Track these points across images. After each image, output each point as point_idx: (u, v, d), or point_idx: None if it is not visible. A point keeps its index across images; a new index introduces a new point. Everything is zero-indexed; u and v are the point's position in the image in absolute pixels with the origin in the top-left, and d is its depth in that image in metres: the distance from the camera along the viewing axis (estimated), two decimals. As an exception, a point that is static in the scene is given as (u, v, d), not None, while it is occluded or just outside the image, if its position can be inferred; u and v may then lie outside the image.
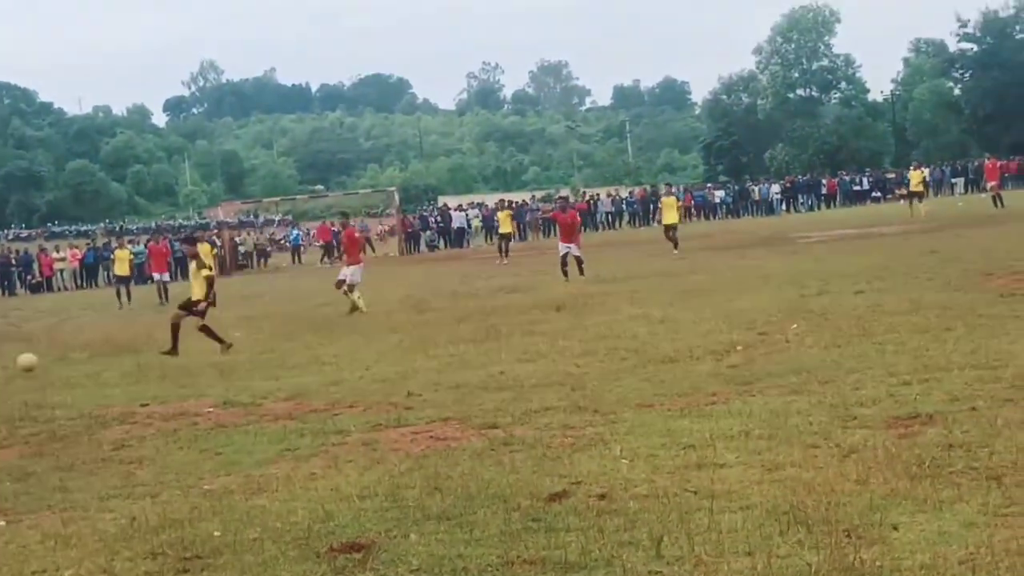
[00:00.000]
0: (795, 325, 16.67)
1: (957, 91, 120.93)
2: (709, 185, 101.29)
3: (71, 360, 21.88)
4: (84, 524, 8.79)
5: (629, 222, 78.95)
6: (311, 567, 7.21)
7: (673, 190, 48.60)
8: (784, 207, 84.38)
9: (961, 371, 11.63)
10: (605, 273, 31.49)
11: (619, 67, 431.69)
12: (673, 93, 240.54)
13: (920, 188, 53.46)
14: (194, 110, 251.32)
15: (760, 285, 23.92)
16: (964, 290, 19.14)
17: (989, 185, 54.03)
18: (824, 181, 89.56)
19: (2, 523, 9.09)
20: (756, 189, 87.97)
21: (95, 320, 33.06)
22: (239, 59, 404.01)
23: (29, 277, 61.67)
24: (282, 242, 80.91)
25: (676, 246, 38.42)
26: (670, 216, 39.99)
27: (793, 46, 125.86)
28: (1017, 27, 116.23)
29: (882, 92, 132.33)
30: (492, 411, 11.98)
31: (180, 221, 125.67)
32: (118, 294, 40.38)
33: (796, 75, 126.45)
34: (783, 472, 8.38)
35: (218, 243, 58.64)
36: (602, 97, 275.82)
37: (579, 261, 31.02)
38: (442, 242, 72.85)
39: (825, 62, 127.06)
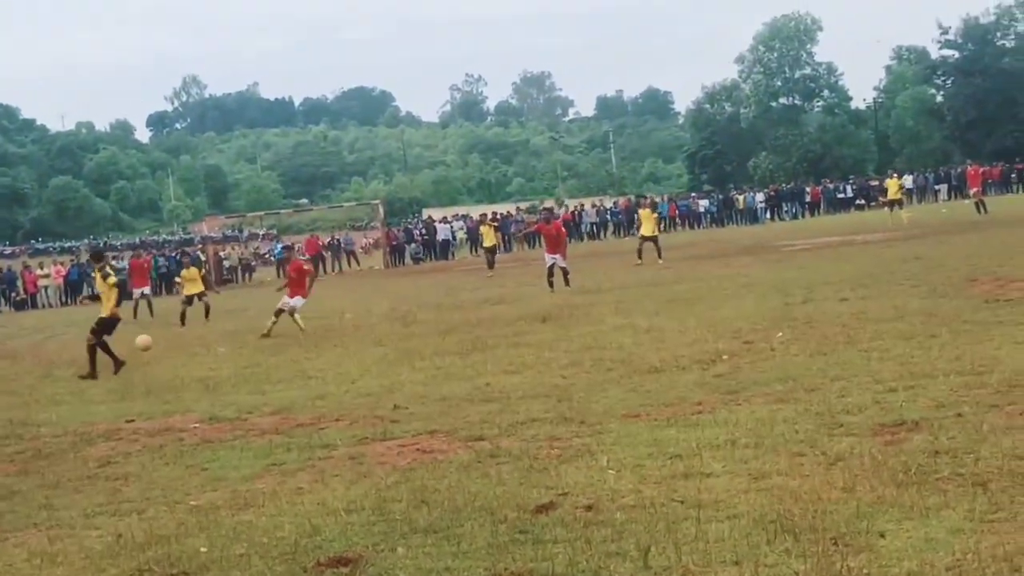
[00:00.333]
0: (780, 333, 16.69)
1: (939, 98, 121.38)
2: (693, 194, 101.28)
3: (56, 377, 21.82)
4: (70, 541, 8.77)
5: (614, 232, 78.89)
6: (298, 582, 7.20)
7: (649, 202, 48.61)
8: (768, 215, 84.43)
9: (946, 377, 11.65)
10: (590, 283, 31.50)
11: (602, 77, 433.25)
12: (656, 103, 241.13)
13: (898, 196, 53.62)
14: (177, 125, 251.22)
15: (745, 294, 23.94)
16: (948, 296, 19.17)
17: (972, 191, 54.26)
18: (808, 189, 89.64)
19: (-12, 542, 9.07)
20: (740, 198, 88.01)
21: (80, 337, 32.94)
22: (222, 74, 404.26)
23: (13, 294, 61.46)
24: (267, 256, 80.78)
25: (659, 255, 38.47)
26: (647, 228, 40.08)
27: (775, 55, 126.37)
28: (998, 33, 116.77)
29: (865, 100, 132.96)
30: (478, 423, 11.97)
31: (164, 237, 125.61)
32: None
33: (779, 83, 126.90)
34: (770, 481, 8.38)
35: (203, 259, 58.39)
36: (585, 108, 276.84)
37: (564, 272, 31.05)
38: (427, 254, 72.79)
39: (807, 70, 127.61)
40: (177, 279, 32.77)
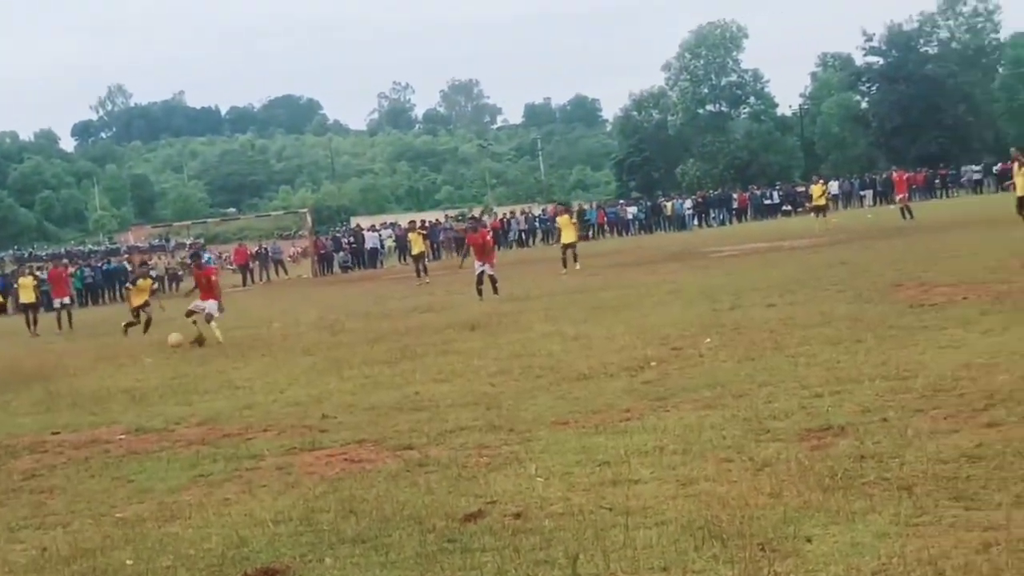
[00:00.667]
0: (708, 339, 16.76)
1: (864, 104, 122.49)
2: (621, 201, 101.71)
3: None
4: (-6, 556, 8.67)
5: (542, 239, 78.93)
6: (225, 594, 7.15)
7: (567, 209, 48.74)
8: (696, 222, 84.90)
9: (872, 382, 11.74)
10: (519, 291, 31.52)
11: (530, 85, 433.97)
12: (584, 110, 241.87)
13: (823, 202, 54.08)
14: (103, 134, 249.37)
15: (673, 300, 24.03)
16: (874, 302, 19.32)
17: (898, 197, 54.74)
18: (735, 195, 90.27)
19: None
20: (668, 204, 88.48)
21: (3, 348, 32.64)
22: (147, 82, 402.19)
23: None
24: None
25: (576, 260, 38.61)
26: (567, 235, 40.13)
27: (702, 62, 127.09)
28: (921, 40, 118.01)
29: (791, 106, 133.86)
30: (407, 432, 11.94)
31: (90, 247, 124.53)
32: (27, 322, 39.83)
33: (705, 91, 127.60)
34: (697, 487, 8.41)
35: (153, 275, 57.78)
36: (513, 115, 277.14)
37: (493, 280, 31.03)
38: (355, 263, 72.60)
39: (734, 77, 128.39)
40: (128, 286, 32.32)
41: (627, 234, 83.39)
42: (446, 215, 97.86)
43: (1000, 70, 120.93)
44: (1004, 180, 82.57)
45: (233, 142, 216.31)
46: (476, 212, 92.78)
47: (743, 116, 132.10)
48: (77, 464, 12.26)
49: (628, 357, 15.90)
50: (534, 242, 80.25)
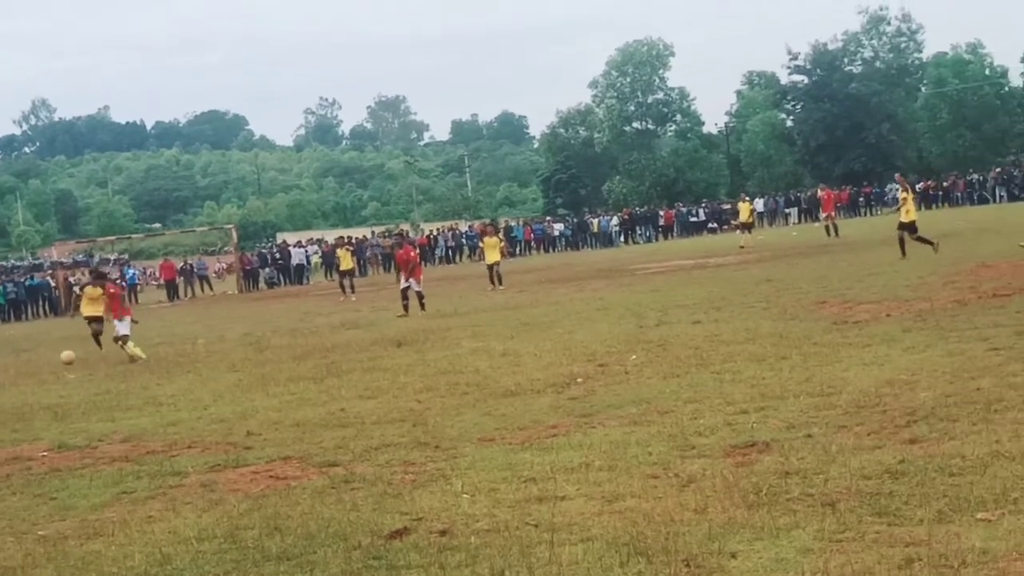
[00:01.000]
0: (634, 356, 16.81)
1: (789, 122, 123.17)
2: (548, 218, 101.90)
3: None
4: (-88, 575, 8.57)
5: (469, 256, 78.95)
6: (148, 613, 7.09)
7: (494, 230, 48.74)
8: (622, 239, 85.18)
9: (796, 399, 11.81)
10: (446, 307, 31.50)
11: (457, 101, 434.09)
12: (511, 127, 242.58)
13: (750, 219, 54.52)
14: (26, 149, 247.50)
15: (599, 317, 24.09)
16: (798, 319, 19.45)
17: (823, 215, 55.16)
18: (661, 213, 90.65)
19: None
20: (595, 221, 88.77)
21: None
22: (72, 97, 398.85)
23: None
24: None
25: (500, 281, 38.54)
26: (492, 256, 40.11)
27: (628, 79, 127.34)
28: (845, 59, 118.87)
29: (716, 124, 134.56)
30: (332, 449, 11.90)
31: (13, 262, 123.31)
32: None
33: (632, 108, 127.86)
34: (623, 503, 8.42)
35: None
36: (440, 132, 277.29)
37: (419, 296, 31.02)
38: (281, 279, 72.32)
39: (660, 95, 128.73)
40: (77, 290, 32.03)
41: (554, 251, 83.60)
42: (373, 231, 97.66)
43: (923, 89, 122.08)
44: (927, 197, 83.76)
45: (158, 157, 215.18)
46: (398, 229, 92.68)
47: (669, 134, 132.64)
48: (-2, 481, 12.14)
49: (555, 374, 15.92)
50: (461, 259, 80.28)
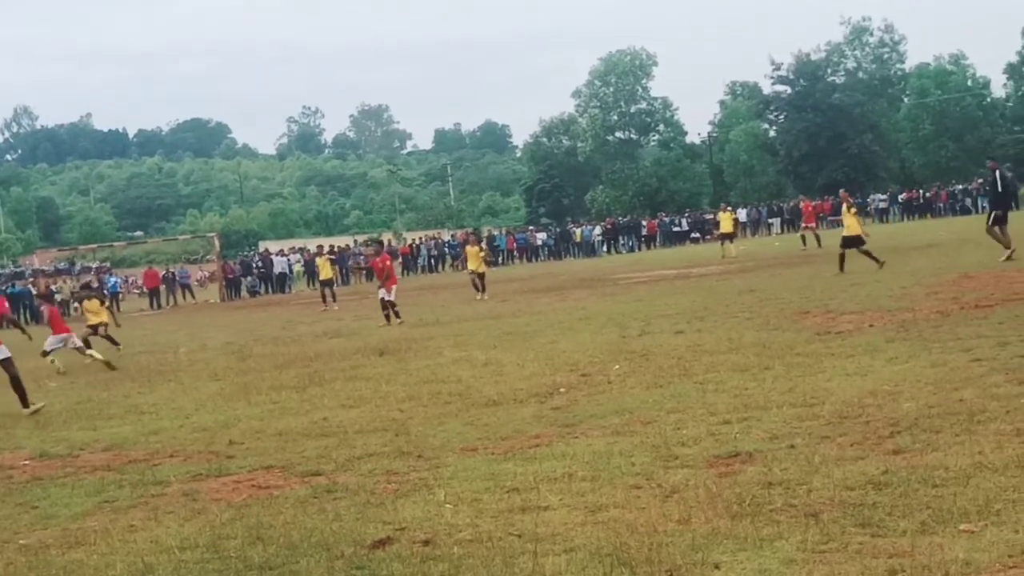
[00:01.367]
0: (617, 366, 16.79)
1: (772, 132, 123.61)
2: (531, 227, 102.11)
3: None
4: None
5: (451, 265, 79.01)
6: (129, 623, 7.06)
7: (477, 239, 48.61)
8: (605, 248, 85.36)
9: (779, 409, 11.80)
10: (428, 316, 31.48)
11: (440, 111, 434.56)
12: (494, 136, 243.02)
13: (731, 229, 54.65)
14: (8, 156, 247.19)
15: (582, 326, 24.07)
16: (781, 329, 19.45)
17: (804, 225, 55.24)
18: (644, 222, 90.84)
19: None
20: (577, 231, 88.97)
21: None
22: (54, 104, 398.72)
23: None
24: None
25: (483, 290, 38.46)
26: (473, 264, 40.03)
27: (611, 89, 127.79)
28: (828, 70, 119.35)
29: (699, 134, 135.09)
30: (315, 458, 11.87)
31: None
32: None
33: (615, 118, 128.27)
34: (606, 513, 8.40)
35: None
36: (423, 140, 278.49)
37: (391, 305, 30.94)
38: (264, 287, 72.27)
39: (643, 105, 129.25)
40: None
41: (536, 260, 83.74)
42: (355, 240, 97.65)
43: (905, 100, 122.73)
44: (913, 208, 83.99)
45: (141, 165, 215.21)
46: (376, 237, 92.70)
47: (652, 143, 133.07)
48: (-21, 490, 12.08)
49: (537, 383, 15.89)
50: (443, 268, 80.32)
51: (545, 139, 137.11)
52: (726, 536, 7.51)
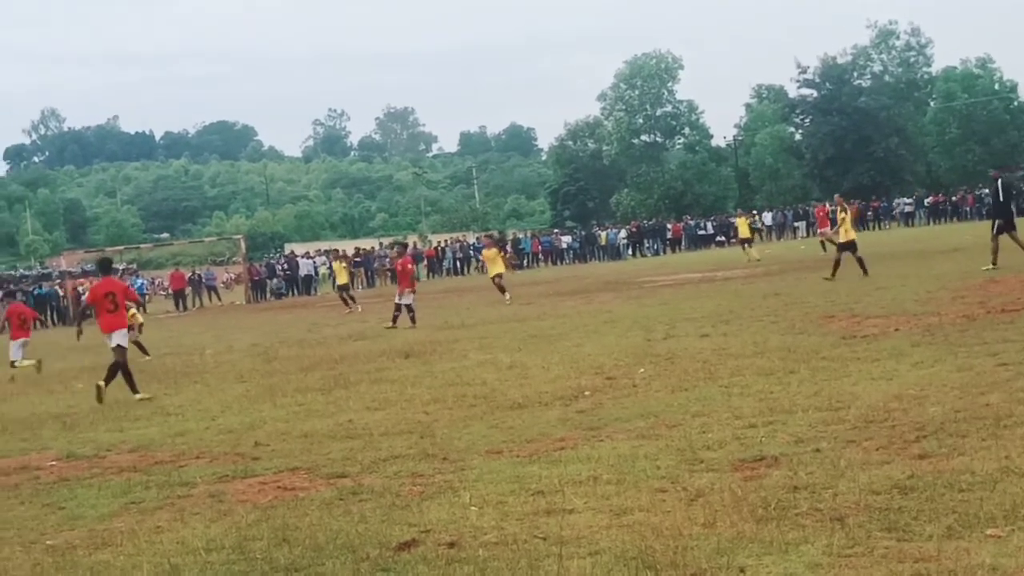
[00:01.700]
0: (642, 369, 16.78)
1: (798, 136, 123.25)
2: (556, 230, 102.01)
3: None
4: (-80, 584, 8.57)
5: (477, 268, 79.01)
6: (156, 623, 7.08)
7: (495, 242, 48.35)
8: (630, 252, 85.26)
9: (805, 413, 11.77)
10: (453, 319, 31.48)
11: (465, 114, 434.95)
12: (519, 139, 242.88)
13: (748, 234, 54.68)
14: (35, 158, 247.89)
15: (607, 330, 24.05)
16: (807, 333, 19.41)
17: (820, 231, 55.20)
18: (669, 226, 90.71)
19: None
20: (602, 234, 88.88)
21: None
22: (81, 107, 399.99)
23: None
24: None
25: (504, 292, 38.05)
26: (494, 268, 39.79)
27: (637, 92, 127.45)
28: (855, 73, 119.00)
29: (725, 137, 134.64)
30: (340, 460, 11.88)
31: (21, 271, 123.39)
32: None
33: (640, 121, 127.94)
34: (631, 517, 8.40)
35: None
36: (449, 143, 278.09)
37: (406, 309, 30.95)
38: (289, 290, 72.40)
39: (668, 108, 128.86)
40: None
41: (561, 263, 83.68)
42: (380, 242, 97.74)
43: (932, 104, 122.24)
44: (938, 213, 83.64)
45: (167, 167, 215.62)
46: (411, 240, 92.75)
47: (678, 147, 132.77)
48: (7, 490, 12.13)
49: (562, 386, 15.89)
50: (468, 270, 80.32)
51: (570, 142, 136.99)
52: (751, 540, 7.50)
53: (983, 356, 14.54)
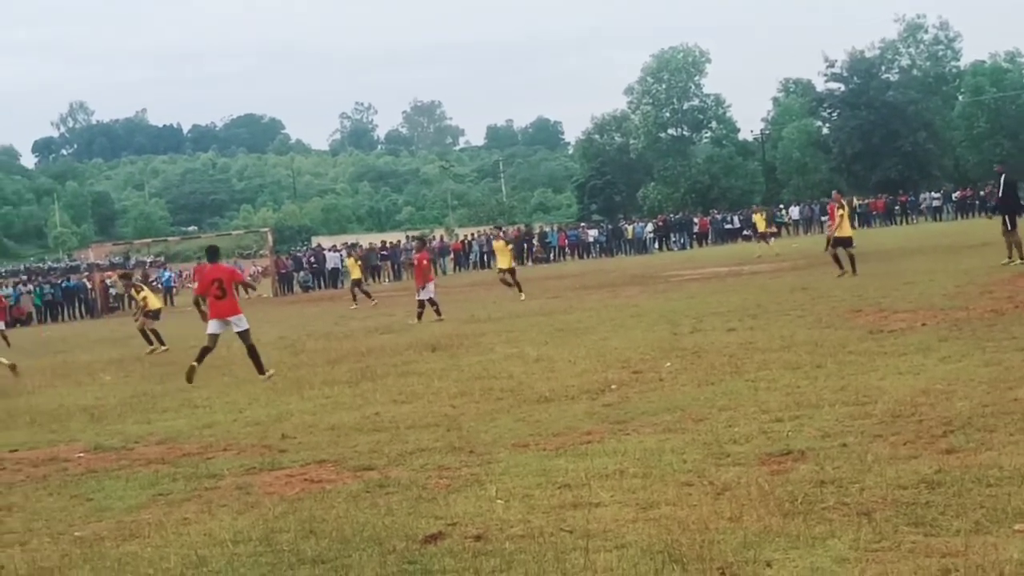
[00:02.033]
0: (669, 363, 16.76)
1: (825, 130, 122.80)
2: (583, 224, 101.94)
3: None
4: (-50, 574, 8.60)
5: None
6: (184, 614, 7.10)
7: (502, 234, 48.06)
8: (657, 246, 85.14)
9: (832, 407, 11.75)
10: (480, 312, 31.48)
11: (492, 107, 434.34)
12: (546, 133, 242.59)
13: (766, 229, 54.69)
14: (64, 151, 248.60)
15: (634, 323, 24.03)
16: (834, 327, 19.37)
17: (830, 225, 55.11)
18: (696, 220, 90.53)
19: None
20: (629, 228, 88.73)
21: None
22: (109, 100, 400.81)
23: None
24: (154, 284, 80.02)
25: (520, 289, 37.59)
26: (503, 261, 39.36)
27: (664, 86, 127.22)
28: (882, 67, 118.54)
29: (752, 131, 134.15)
30: (367, 453, 11.90)
31: (50, 264, 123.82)
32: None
33: (667, 115, 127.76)
34: (658, 510, 8.39)
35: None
36: (475, 137, 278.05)
37: (430, 303, 30.92)
38: (316, 283, 72.50)
39: (696, 102, 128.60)
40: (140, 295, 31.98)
41: (588, 257, 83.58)
42: (407, 236, 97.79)
43: (960, 98, 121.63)
44: (964, 207, 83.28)
45: (195, 160, 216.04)
46: (437, 233, 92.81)
47: (705, 140, 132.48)
48: (35, 482, 12.17)
49: (589, 380, 15.89)
50: (495, 264, 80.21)
51: (597, 136, 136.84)
52: (778, 534, 7.49)
53: (1011, 351, 14.50)
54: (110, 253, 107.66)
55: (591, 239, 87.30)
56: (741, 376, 14.81)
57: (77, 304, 66.48)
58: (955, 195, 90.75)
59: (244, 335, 21.01)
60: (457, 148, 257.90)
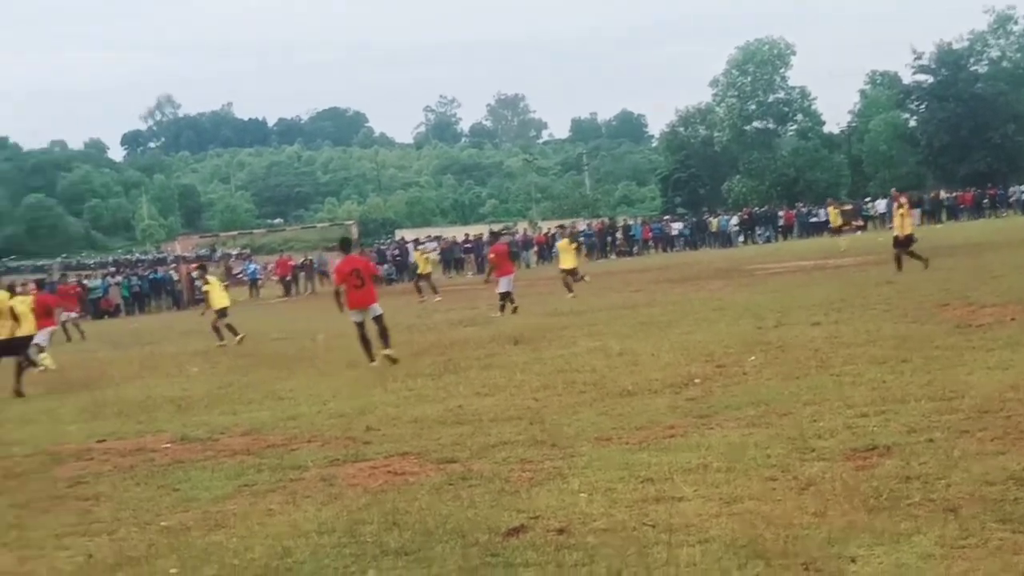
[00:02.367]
0: (753, 357, 16.68)
1: (912, 123, 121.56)
2: (667, 217, 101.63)
3: (26, 396, 21.69)
4: (40, 562, 8.73)
5: (587, 255, 78.84)
6: (268, 605, 7.15)
7: (567, 233, 47.69)
8: (742, 239, 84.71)
9: (918, 402, 11.65)
10: (562, 306, 31.46)
11: (576, 100, 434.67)
12: (630, 126, 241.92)
13: (839, 223, 54.40)
14: (151, 144, 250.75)
15: (718, 317, 23.93)
16: (920, 321, 19.20)
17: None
18: (781, 213, 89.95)
19: (-44, 562, 8.99)
20: (714, 221, 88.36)
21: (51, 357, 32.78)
22: (196, 93, 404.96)
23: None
24: (239, 276, 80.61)
25: (570, 289, 36.81)
26: (567, 260, 38.79)
27: (749, 79, 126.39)
28: (971, 59, 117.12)
29: (838, 124, 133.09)
30: (450, 445, 11.93)
31: (138, 256, 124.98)
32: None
33: (752, 107, 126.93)
34: (741, 505, 8.37)
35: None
36: (559, 130, 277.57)
37: (505, 296, 30.92)
38: (400, 275, 72.70)
39: (781, 94, 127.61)
40: (204, 288, 32.22)
41: (672, 250, 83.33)
42: (491, 229, 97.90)
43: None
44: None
45: (280, 153, 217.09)
46: (520, 227, 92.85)
47: (790, 133, 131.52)
48: (123, 472, 12.31)
49: (672, 374, 15.85)
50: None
51: (681, 128, 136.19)
52: (863, 530, 7.45)
53: (1102, 346, 14.32)
54: (196, 245, 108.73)
55: (675, 232, 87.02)
56: (826, 370, 14.72)
57: (164, 296, 67.05)
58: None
59: (379, 319, 21.85)
60: (541, 141, 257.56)
